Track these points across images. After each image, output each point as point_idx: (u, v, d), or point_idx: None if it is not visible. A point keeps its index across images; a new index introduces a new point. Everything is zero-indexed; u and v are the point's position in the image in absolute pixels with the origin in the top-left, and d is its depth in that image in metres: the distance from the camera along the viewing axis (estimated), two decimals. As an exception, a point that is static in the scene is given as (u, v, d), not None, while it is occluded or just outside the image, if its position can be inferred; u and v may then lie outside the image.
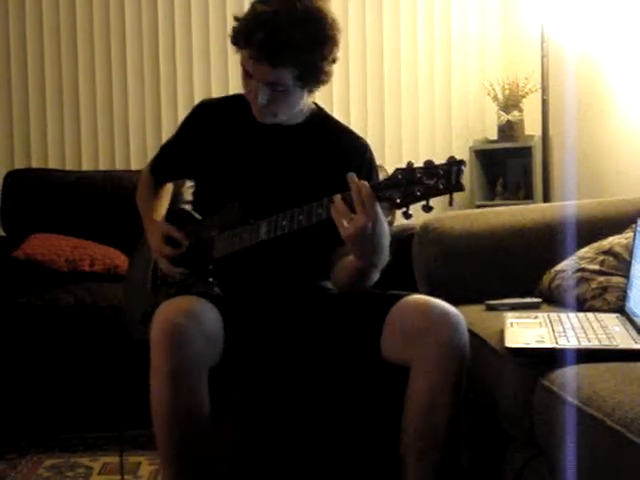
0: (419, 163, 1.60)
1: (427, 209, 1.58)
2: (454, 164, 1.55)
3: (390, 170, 1.65)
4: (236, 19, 1.89)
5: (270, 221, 1.80)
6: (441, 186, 1.54)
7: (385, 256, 1.75)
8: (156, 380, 1.74)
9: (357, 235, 1.64)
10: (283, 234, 1.77)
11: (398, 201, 1.59)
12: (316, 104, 2.07)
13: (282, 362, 1.92)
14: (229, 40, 1.91)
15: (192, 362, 1.73)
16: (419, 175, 1.56)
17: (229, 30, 1.91)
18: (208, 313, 1.80)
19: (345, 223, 1.64)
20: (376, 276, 1.84)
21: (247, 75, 1.89)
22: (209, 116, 2.05)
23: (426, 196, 1.56)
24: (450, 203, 1.58)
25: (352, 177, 1.64)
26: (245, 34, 1.83)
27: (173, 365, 1.71)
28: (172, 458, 1.76)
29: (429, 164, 1.57)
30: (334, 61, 1.89)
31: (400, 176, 1.59)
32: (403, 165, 1.61)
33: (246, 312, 1.91)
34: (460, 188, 1.54)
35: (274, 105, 1.90)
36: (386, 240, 1.72)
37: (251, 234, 1.84)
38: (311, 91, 1.95)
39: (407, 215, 1.60)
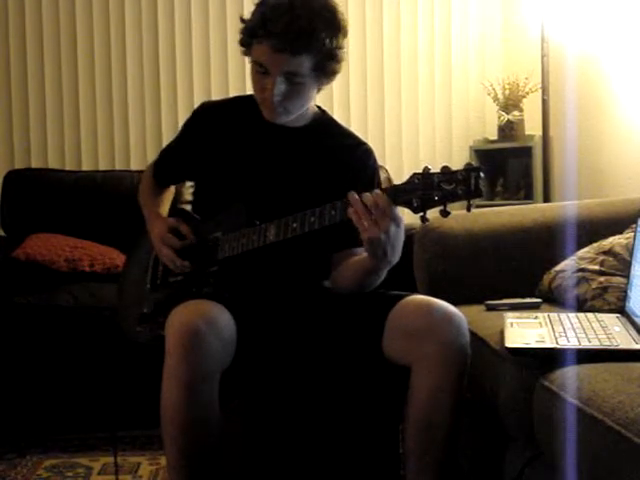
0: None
1: (445, 214, 1.59)
2: (473, 170, 1.56)
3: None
4: (243, 20, 1.89)
5: (279, 223, 1.79)
6: (460, 192, 1.56)
7: (397, 256, 1.75)
8: (171, 384, 1.71)
9: (380, 238, 1.65)
10: (293, 236, 1.76)
11: (416, 205, 1.60)
12: (319, 107, 2.06)
13: (287, 363, 1.92)
14: (239, 38, 1.90)
15: (209, 367, 1.71)
16: (437, 180, 1.58)
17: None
18: (223, 317, 1.78)
19: (366, 224, 1.64)
20: (384, 276, 1.85)
21: (260, 72, 1.87)
22: (211, 117, 2.04)
23: (445, 201, 1.58)
24: (468, 209, 1.59)
25: (366, 195, 1.64)
26: (264, 24, 1.82)
27: (191, 370, 1.68)
28: (181, 462, 1.74)
29: (446, 170, 1.58)
30: (343, 56, 1.89)
31: (417, 180, 1.60)
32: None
33: (254, 314, 1.90)
34: (479, 194, 1.56)
35: (288, 100, 1.88)
36: (402, 241, 1.72)
37: (259, 236, 1.83)
38: (321, 87, 1.94)
39: (424, 219, 1.62)
